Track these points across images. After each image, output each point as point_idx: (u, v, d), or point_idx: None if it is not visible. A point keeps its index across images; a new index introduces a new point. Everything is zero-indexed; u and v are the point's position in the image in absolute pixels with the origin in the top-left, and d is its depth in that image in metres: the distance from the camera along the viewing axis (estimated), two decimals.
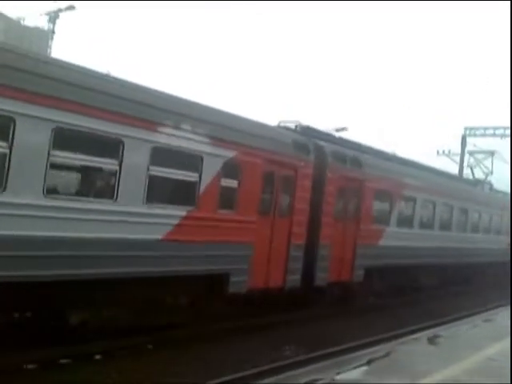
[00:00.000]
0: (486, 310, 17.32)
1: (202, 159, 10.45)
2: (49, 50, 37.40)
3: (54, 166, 8.29)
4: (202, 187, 10.51)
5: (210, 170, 10.66)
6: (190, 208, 10.34)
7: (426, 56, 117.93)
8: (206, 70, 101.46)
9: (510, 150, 34.55)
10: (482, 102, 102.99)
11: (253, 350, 10.76)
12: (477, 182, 29.55)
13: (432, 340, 10.79)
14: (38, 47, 34.59)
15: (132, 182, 9.17)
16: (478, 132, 36.17)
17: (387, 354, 9.25)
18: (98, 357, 9.18)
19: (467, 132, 36.37)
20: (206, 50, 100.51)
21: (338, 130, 28.52)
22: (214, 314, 11.65)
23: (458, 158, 35.73)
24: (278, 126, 14.95)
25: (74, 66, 8.82)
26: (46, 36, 38.60)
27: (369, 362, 8.61)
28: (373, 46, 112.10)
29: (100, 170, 9.13)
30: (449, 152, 36.93)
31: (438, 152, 37.27)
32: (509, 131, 33.99)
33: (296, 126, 15.37)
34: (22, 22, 41.00)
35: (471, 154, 33.08)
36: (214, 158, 10.73)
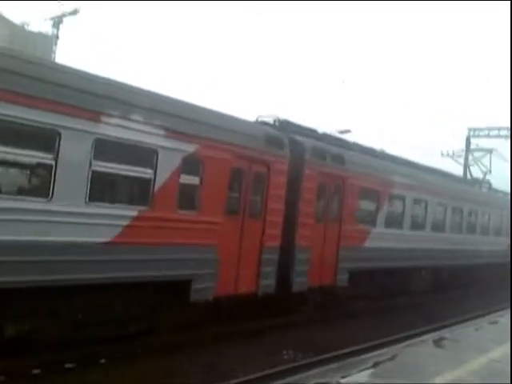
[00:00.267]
0: (489, 313, 16.77)
1: (156, 154, 9.47)
2: (53, 55, 37.35)
3: None
4: (158, 185, 9.53)
5: (167, 165, 9.69)
6: (142, 208, 9.36)
7: (426, 57, 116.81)
8: (208, 70, 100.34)
9: (511, 151, 33.71)
10: (485, 101, 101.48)
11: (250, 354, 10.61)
12: (474, 181, 28.53)
13: (437, 342, 10.80)
14: (43, 52, 34.59)
15: (71, 179, 8.20)
16: (481, 133, 35.54)
17: (393, 357, 9.25)
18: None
19: (471, 133, 35.75)
20: (209, 51, 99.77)
21: (341, 133, 27.66)
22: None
23: (461, 159, 34.85)
24: (256, 121, 14.02)
25: None
26: (50, 41, 38.48)
27: (375, 365, 8.60)
28: (374, 49, 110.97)
29: (31, 165, 8.13)
30: (453, 153, 36.00)
31: (442, 153, 36.30)
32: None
33: (274, 121, 14.42)
34: (26, 27, 40.52)
35: (467, 151, 31.98)
36: (172, 153, 9.75)
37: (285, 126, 14.23)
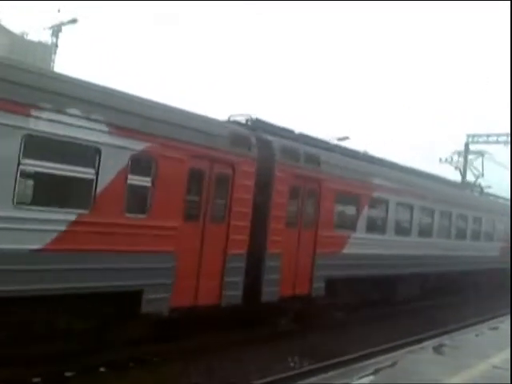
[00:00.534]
0: (484, 321, 16.39)
1: (99, 152, 8.59)
2: (52, 64, 37.54)
3: None
4: (101, 186, 8.63)
5: (112, 165, 8.80)
6: (82, 211, 8.46)
7: (425, 59, 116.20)
8: (209, 72, 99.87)
9: (510, 157, 33.14)
10: (484, 105, 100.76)
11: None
12: (466, 185, 27.67)
13: (437, 349, 10.74)
14: (42, 61, 34.87)
15: None
16: (480, 139, 35.06)
17: (393, 364, 9.22)
18: None
19: (470, 139, 35.19)
20: (212, 54, 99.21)
21: (340, 140, 27.03)
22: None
23: (459, 165, 34.06)
24: (228, 121, 13.16)
25: None
26: (49, 50, 38.80)
27: (375, 372, 8.59)
28: (373, 52, 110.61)
29: None
30: (451, 159, 35.22)
31: (440, 159, 35.47)
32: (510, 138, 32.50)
33: (247, 120, 13.57)
34: (25, 36, 41.21)
35: (460, 154, 31.09)
36: (118, 151, 8.87)
37: (257, 125, 13.39)
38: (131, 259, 9.12)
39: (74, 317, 8.93)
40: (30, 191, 7.90)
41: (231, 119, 13.41)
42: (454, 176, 30.30)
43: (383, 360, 9.57)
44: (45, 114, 7.84)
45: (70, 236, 8.23)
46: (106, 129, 8.64)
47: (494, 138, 34.51)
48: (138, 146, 9.18)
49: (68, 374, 8.75)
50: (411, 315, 17.71)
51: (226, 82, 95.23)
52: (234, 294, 11.30)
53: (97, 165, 8.57)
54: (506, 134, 33.74)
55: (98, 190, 8.59)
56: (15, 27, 40.89)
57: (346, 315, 15.51)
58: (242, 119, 13.56)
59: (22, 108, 7.59)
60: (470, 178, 30.71)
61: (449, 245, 21.01)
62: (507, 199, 30.18)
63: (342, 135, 29.81)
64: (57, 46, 38.59)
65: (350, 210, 15.35)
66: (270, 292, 12.26)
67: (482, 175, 30.49)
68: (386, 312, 17.17)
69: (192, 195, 10.47)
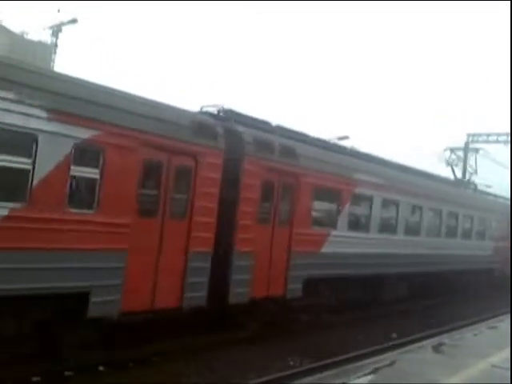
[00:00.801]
0: (482, 321, 16.34)
1: (35, 140, 7.74)
2: (52, 64, 37.47)
3: None
4: (38, 178, 7.78)
5: (52, 154, 7.94)
6: (15, 205, 7.61)
7: (425, 58, 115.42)
8: (210, 70, 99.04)
9: (510, 157, 32.51)
10: (484, 104, 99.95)
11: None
12: (458, 183, 26.83)
13: (436, 348, 10.70)
14: (42, 60, 34.59)
15: None
16: (480, 138, 34.53)
17: (392, 363, 9.18)
18: None
19: (470, 139, 34.56)
20: (213, 54, 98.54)
21: (340, 139, 26.51)
22: None
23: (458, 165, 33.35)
24: (200, 112, 12.33)
25: None
26: (49, 50, 38.84)
27: (374, 371, 8.53)
28: (374, 52, 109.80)
29: None
30: (451, 158, 34.34)
31: (447, 162, 34.60)
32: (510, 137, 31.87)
33: (218, 111, 12.74)
34: (25, 36, 40.89)
35: (452, 150, 30.21)
36: (58, 139, 8.01)
37: (230, 116, 12.57)
38: (76, 258, 8.29)
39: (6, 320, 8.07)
40: None
41: (203, 110, 12.61)
42: (453, 174, 29.47)
43: (382, 359, 9.49)
44: None
45: (1, 233, 7.40)
46: (43, 114, 7.79)
47: (494, 138, 34.11)
48: (83, 133, 8.33)
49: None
50: (402, 316, 17.34)
51: (226, 81, 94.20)
52: (198, 295, 10.47)
53: (33, 154, 7.73)
54: (506, 134, 33.25)
55: (35, 182, 7.74)
56: (15, 27, 41.03)
57: (329, 316, 14.75)
58: (214, 110, 12.74)
59: None
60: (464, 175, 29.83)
61: (438, 243, 20.19)
62: (503, 197, 29.47)
63: (342, 135, 29.31)
64: (57, 45, 38.91)
65: (330, 206, 14.52)
66: (238, 293, 11.43)
67: (476, 172, 29.65)
68: (380, 312, 16.79)
69: (148, 189, 9.65)
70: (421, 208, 18.85)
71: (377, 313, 16.67)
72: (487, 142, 34.15)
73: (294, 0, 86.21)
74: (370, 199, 15.91)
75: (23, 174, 7.68)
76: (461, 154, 30.48)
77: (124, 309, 9.12)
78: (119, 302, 9.01)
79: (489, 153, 30.70)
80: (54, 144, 7.95)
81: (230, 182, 11.21)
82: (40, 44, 39.31)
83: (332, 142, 15.89)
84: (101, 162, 8.63)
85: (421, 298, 19.79)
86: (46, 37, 39.26)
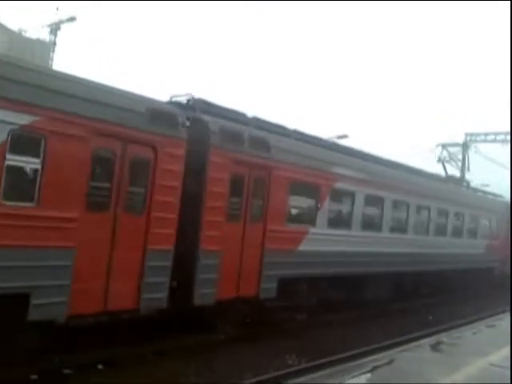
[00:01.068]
0: (487, 317, 16.35)
1: None
2: (50, 62, 37.34)
3: None
4: None
5: None
6: None
7: (425, 58, 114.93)
8: (211, 70, 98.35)
9: (510, 157, 32.36)
10: (484, 104, 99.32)
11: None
12: (449, 179, 26.12)
13: (435, 347, 10.66)
14: (40, 58, 34.79)
15: None
16: (478, 138, 34.24)
17: (390, 362, 9.14)
18: None
19: (468, 138, 34.22)
20: (213, 54, 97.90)
21: (339, 138, 25.94)
22: None
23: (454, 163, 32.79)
24: (170, 102, 11.61)
25: None
26: (47, 48, 38.78)
27: (372, 370, 8.49)
28: (373, 52, 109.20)
29: None
30: (449, 157, 33.78)
31: (439, 159, 34.02)
32: (509, 137, 31.49)
33: (188, 100, 12.01)
34: (24, 34, 41.15)
35: (443, 146, 29.47)
36: None
37: (200, 106, 11.83)
38: (12, 256, 7.56)
39: None
40: None
41: (173, 99, 11.89)
42: (444, 171, 28.78)
43: (380, 358, 9.43)
44: None
45: None
46: None
47: (492, 137, 33.80)
48: (21, 119, 7.59)
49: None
50: (400, 314, 17.05)
51: (226, 81, 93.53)
52: (157, 296, 9.73)
53: None
54: (505, 133, 32.86)
55: None
56: (14, 25, 42.23)
57: (326, 315, 14.31)
58: (184, 99, 12.02)
59: None
60: (455, 171, 29.14)
61: (427, 242, 19.48)
62: (500, 196, 28.87)
63: (341, 134, 28.66)
64: (55, 43, 38.82)
65: (308, 202, 13.80)
66: (204, 294, 10.70)
67: (469, 169, 28.96)
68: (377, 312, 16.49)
69: (99, 181, 8.90)
70: (408, 205, 18.14)
71: (374, 312, 16.32)
72: (485, 141, 33.95)
73: (294, 0, 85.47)
74: (351, 195, 15.20)
75: None
76: (452, 150, 29.71)
77: (72, 311, 8.39)
78: (66, 305, 8.28)
79: (480, 151, 30.07)
80: None
81: (195, 174, 10.49)
82: (38, 42, 39.60)
83: (313, 135, 15.05)
84: (43, 150, 7.89)
85: (410, 299, 19.09)
86: (44, 35, 39.62)
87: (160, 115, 9.71)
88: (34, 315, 7.91)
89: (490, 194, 28.90)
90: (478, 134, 34.30)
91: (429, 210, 19.69)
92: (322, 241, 13.86)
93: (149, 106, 9.58)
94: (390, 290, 18.36)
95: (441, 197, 20.58)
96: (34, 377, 8.14)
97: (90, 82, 8.84)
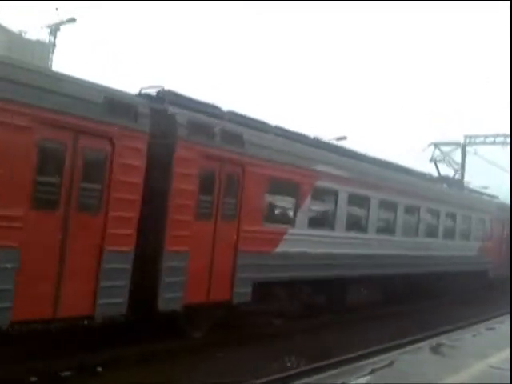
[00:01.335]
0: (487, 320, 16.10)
1: None
2: (50, 63, 37.05)
3: None
4: None
5: None
6: None
7: (424, 59, 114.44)
8: (211, 70, 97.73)
9: (510, 157, 31.85)
10: (483, 106, 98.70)
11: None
12: (442, 179, 25.44)
13: (435, 349, 10.62)
14: (40, 60, 34.54)
15: None
16: (478, 140, 33.90)
17: (390, 364, 9.11)
18: None
19: (467, 140, 33.85)
20: (213, 53, 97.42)
21: (338, 139, 25.49)
22: None
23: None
24: (139, 94, 10.91)
25: None
26: (47, 49, 38.58)
27: (372, 372, 8.45)
28: (372, 52, 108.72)
29: None
30: (444, 158, 33.17)
31: (437, 160, 33.40)
32: (509, 139, 31.08)
33: (158, 92, 11.31)
34: (24, 35, 40.95)
35: (436, 146, 28.78)
36: None
37: (170, 98, 11.12)
38: None
39: None
40: None
41: (142, 92, 11.19)
42: (437, 171, 28.11)
43: (380, 360, 9.38)
44: None
45: None
46: None
47: (491, 139, 33.38)
48: None
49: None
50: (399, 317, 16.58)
51: (226, 81, 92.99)
52: (115, 301, 8.99)
53: None
54: (504, 135, 32.37)
55: None
56: (13, 26, 40.72)
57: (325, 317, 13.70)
58: (154, 92, 11.33)
59: None
60: (449, 171, 28.43)
61: (416, 244, 18.77)
62: (497, 197, 28.29)
63: (340, 135, 28.10)
64: (55, 44, 38.55)
65: (287, 200, 13.09)
66: (170, 298, 9.97)
67: (463, 168, 28.27)
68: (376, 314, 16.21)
69: (47, 176, 8.17)
70: (396, 205, 17.44)
71: (373, 314, 16.02)
72: (484, 143, 33.51)
73: (293, 0, 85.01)
74: (335, 194, 14.49)
75: None
76: (445, 149, 29.02)
77: (16, 318, 7.67)
78: (9, 310, 7.56)
79: (479, 153, 29.50)
80: None
81: (160, 170, 9.78)
82: (38, 43, 39.43)
83: (293, 131, 14.33)
84: None
85: (398, 303, 18.38)
86: (44, 36, 39.36)
87: (118, 106, 8.98)
88: None
89: (484, 194, 28.29)
90: (477, 136, 33.92)
91: (418, 210, 18.99)
92: (302, 242, 13.16)
93: (107, 95, 8.86)
94: (377, 294, 17.68)
95: (432, 197, 19.90)
96: None
97: (40, 68, 8.16)
